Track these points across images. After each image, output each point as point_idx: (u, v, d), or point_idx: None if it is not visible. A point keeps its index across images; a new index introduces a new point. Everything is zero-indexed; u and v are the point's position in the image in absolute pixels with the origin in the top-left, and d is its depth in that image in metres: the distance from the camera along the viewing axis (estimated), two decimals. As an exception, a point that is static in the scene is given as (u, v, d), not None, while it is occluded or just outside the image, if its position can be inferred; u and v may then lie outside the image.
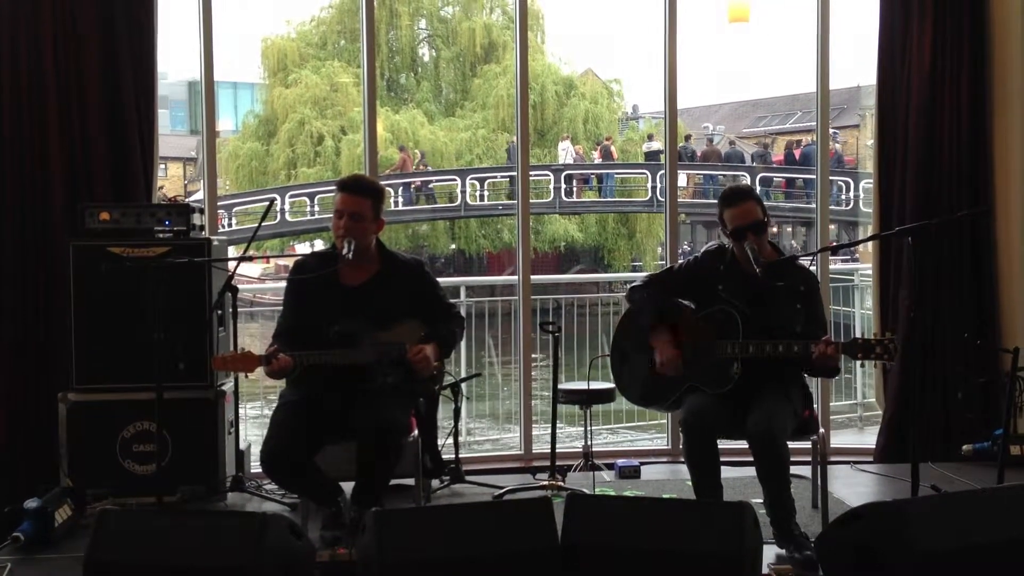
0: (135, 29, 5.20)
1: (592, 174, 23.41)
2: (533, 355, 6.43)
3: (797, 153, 22.72)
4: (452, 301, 4.53)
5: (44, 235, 5.11)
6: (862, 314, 8.08)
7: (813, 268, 5.72)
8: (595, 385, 5.37)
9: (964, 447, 5.49)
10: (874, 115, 5.98)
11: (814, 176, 6.70)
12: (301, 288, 4.23)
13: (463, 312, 4.48)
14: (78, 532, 4.25)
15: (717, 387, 4.13)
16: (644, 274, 4.72)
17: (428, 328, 4.22)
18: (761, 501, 4.11)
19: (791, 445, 4.06)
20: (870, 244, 6.28)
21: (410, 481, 4.59)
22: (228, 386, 4.97)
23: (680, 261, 4.68)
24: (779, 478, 3.98)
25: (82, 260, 4.77)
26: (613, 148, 23.86)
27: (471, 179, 22.37)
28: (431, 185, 22.83)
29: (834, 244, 5.23)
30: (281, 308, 4.34)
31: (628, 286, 4.57)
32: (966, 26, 5.71)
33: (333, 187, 4.35)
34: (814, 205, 6.49)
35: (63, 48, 5.12)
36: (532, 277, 6.22)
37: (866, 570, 3.25)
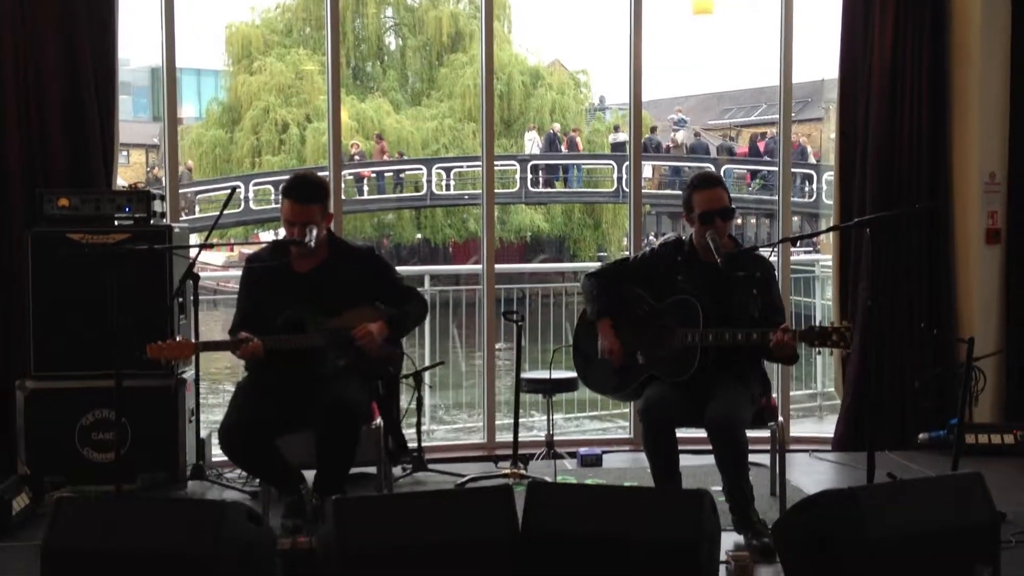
0: (95, 14, 5.14)
1: (558, 164, 23.42)
2: (498, 344, 6.44)
3: (761, 145, 22.87)
4: (410, 283, 4.52)
5: (1, 221, 5.05)
6: (822, 304, 8.16)
7: (774, 259, 5.77)
8: (558, 374, 5.39)
9: (920, 436, 5.58)
10: (836, 108, 6.04)
11: (777, 168, 6.75)
12: (255, 279, 4.25)
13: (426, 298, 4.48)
14: (36, 520, 4.23)
15: (676, 376, 4.16)
16: (600, 264, 4.75)
17: (384, 312, 4.23)
18: (720, 489, 4.15)
19: (750, 433, 4.11)
20: (831, 235, 6.34)
21: (372, 469, 4.59)
22: (189, 374, 4.95)
23: (637, 253, 4.70)
24: (737, 466, 4.02)
25: (41, 247, 4.74)
26: (579, 139, 23.88)
27: (437, 168, 22.32)
28: (402, 175, 22.78)
29: (794, 235, 5.28)
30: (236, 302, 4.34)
31: (585, 274, 4.59)
32: (927, 20, 5.77)
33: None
34: (776, 197, 6.54)
35: (20, 31, 5.05)
36: (497, 266, 6.23)
37: (821, 556, 3.29)
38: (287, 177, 4.40)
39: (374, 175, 22.23)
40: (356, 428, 4.04)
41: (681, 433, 4.15)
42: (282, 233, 4.31)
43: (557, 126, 24.20)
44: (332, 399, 3.96)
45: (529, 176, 22.21)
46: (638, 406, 4.23)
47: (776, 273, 4.46)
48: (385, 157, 22.95)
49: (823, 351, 4.74)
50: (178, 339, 4.18)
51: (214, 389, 9.33)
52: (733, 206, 4.28)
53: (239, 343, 3.96)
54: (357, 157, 22.29)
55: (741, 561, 3.73)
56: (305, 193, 4.17)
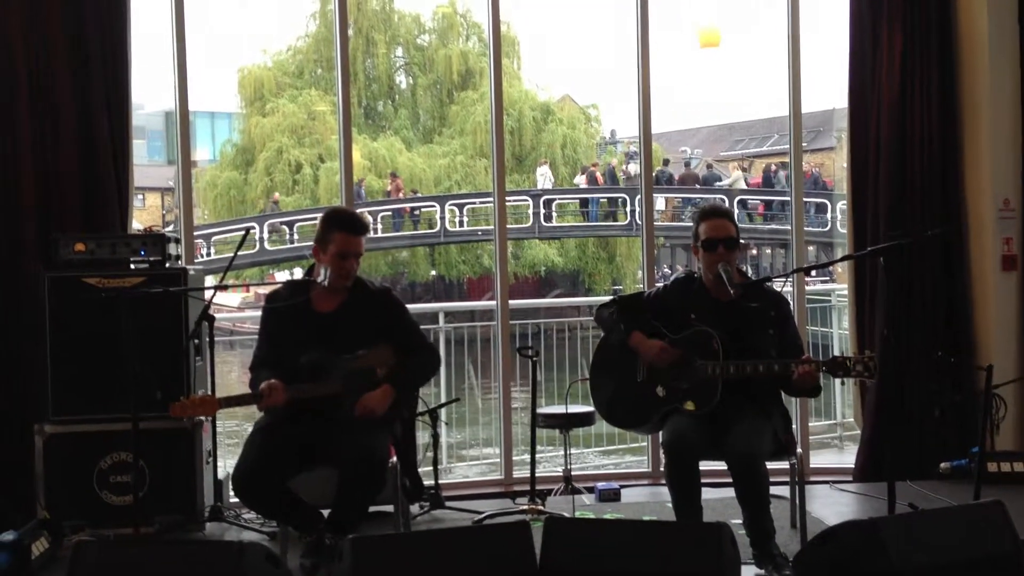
0: (109, 59, 5.21)
1: (570, 199, 23.48)
2: (513, 380, 6.42)
3: (782, 175, 22.91)
4: (423, 331, 4.50)
5: (18, 266, 5.08)
6: (840, 334, 8.13)
7: (788, 289, 5.76)
8: (574, 409, 5.36)
9: (942, 465, 5.52)
10: (847, 137, 6.04)
11: (789, 198, 6.75)
12: (275, 318, 4.24)
13: (441, 338, 4.46)
14: (55, 565, 4.23)
15: (698, 409, 4.14)
16: (611, 297, 4.76)
17: (398, 356, 4.23)
18: (740, 522, 4.12)
19: (770, 465, 4.09)
20: (846, 264, 6.33)
21: (389, 508, 4.57)
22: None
23: (651, 289, 4.70)
24: (758, 499, 4.00)
25: (57, 291, 4.76)
26: (598, 174, 23.90)
27: (450, 205, 22.42)
28: (417, 212, 22.93)
29: (807, 265, 5.27)
30: (256, 340, 4.35)
31: (596, 307, 4.60)
32: (934, 47, 5.78)
33: (312, 215, 4.36)
34: (790, 227, 6.53)
35: (36, 79, 5.12)
36: (511, 302, 6.23)
37: (843, 588, 3.26)
38: (301, 216, 4.42)
39: (389, 212, 22.41)
40: (382, 477, 4.01)
41: (702, 466, 4.12)
42: (298, 273, 4.33)
43: (615, 160, 24.23)
44: (359, 448, 3.94)
45: (542, 211, 22.28)
46: (663, 438, 4.21)
47: (791, 307, 4.45)
48: (400, 195, 23.10)
49: (846, 380, 4.65)
50: (200, 394, 4.17)
51: (229, 431, 9.32)
52: (741, 239, 4.30)
53: (260, 396, 3.96)
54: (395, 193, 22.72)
55: (762, 595, 3.70)
56: (360, 225, 4.23)
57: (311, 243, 4.32)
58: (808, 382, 4.05)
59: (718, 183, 23.41)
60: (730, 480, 4.04)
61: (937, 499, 5.05)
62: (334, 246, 4.14)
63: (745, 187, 22.91)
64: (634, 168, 23.72)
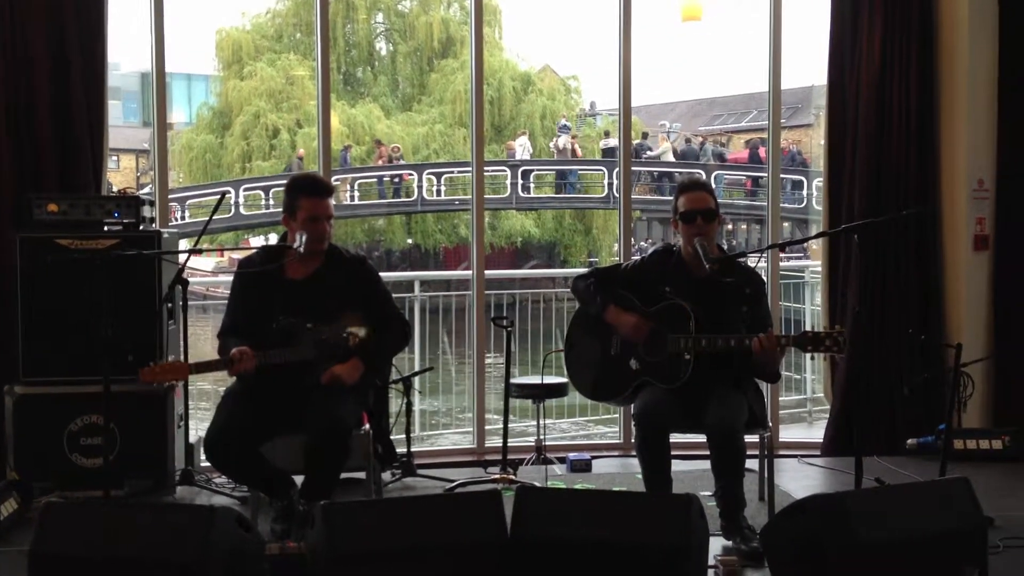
0: (84, 18, 5.14)
1: (547, 171, 23.44)
2: (488, 350, 6.44)
3: (762, 151, 22.93)
4: (395, 303, 4.48)
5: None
6: (812, 310, 8.18)
7: (763, 265, 5.79)
8: (548, 379, 5.38)
9: (909, 441, 5.60)
10: (825, 114, 6.06)
11: (766, 174, 6.77)
12: (247, 284, 4.22)
13: (416, 306, 4.44)
14: (24, 525, 4.21)
15: (670, 382, 4.17)
16: (588, 268, 4.77)
17: (369, 327, 4.22)
18: (709, 494, 4.16)
19: (741, 439, 4.12)
20: (820, 241, 6.36)
21: (361, 475, 4.58)
22: (178, 379, 4.93)
23: (628, 261, 4.71)
24: (735, 470, 4.04)
25: (29, 252, 4.72)
26: (577, 146, 23.82)
27: (428, 174, 22.34)
28: (394, 179, 22.82)
29: (782, 241, 5.30)
30: (227, 305, 4.33)
31: (573, 278, 4.61)
32: (915, 26, 5.80)
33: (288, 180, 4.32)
34: (766, 203, 6.55)
35: (9, 38, 5.04)
36: (487, 272, 6.23)
37: (809, 561, 3.30)
38: (277, 182, 4.40)
39: (373, 180, 22.32)
40: (347, 444, 4.02)
41: (672, 438, 4.15)
42: (273, 238, 4.31)
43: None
44: (325, 416, 3.94)
45: (520, 181, 22.23)
46: (634, 410, 4.23)
47: (766, 286, 4.47)
48: (381, 162, 23.00)
49: (816, 356, 4.73)
50: (170, 359, 4.16)
51: (204, 394, 9.30)
52: (720, 212, 4.31)
53: (231, 362, 3.95)
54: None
55: (729, 566, 3.74)
56: (324, 187, 4.24)
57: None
58: (769, 363, 4.08)
59: (647, 154, 23.35)
60: (700, 453, 4.07)
61: (903, 475, 5.12)
62: (302, 212, 4.14)
63: (673, 159, 23.02)
64: (563, 141, 23.63)
